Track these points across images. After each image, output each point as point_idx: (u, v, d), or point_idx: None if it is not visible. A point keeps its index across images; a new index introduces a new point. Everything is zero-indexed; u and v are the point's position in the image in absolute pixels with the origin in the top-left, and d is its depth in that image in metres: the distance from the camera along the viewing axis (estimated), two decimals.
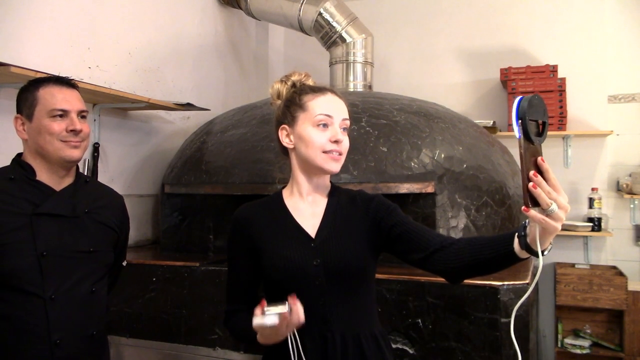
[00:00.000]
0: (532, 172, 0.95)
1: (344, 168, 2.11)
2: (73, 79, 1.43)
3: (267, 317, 1.05)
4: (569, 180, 3.46)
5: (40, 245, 1.29)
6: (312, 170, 1.27)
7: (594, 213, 3.27)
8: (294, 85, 1.32)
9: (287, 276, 1.20)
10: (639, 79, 3.46)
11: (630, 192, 3.26)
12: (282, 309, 1.05)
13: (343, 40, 2.98)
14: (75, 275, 1.34)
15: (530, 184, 0.94)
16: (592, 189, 3.34)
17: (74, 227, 1.37)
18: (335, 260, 1.22)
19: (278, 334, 1.11)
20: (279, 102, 1.33)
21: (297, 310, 1.07)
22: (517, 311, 1.71)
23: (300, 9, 3.04)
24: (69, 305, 1.32)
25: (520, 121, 0.96)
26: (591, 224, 3.25)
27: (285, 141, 1.28)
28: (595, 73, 3.46)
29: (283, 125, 1.28)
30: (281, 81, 1.34)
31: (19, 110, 1.38)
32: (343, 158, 1.25)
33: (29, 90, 1.36)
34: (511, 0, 3.67)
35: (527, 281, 1.74)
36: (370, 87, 3.02)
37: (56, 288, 1.30)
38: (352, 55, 2.97)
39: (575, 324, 3.28)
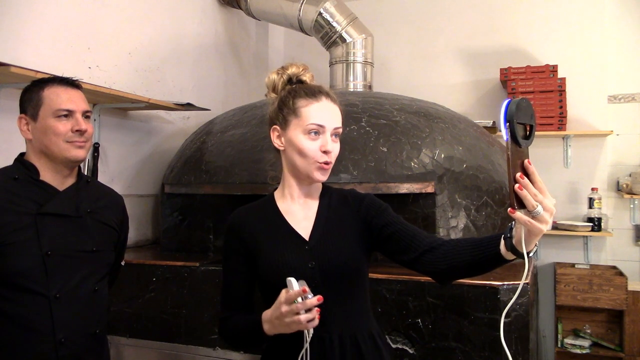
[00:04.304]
0: (518, 174, 0.95)
1: (344, 168, 2.12)
2: (77, 79, 1.44)
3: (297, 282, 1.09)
4: (569, 180, 3.46)
5: (45, 245, 1.30)
6: (300, 176, 1.27)
7: (594, 213, 3.27)
8: (290, 79, 1.30)
9: (283, 280, 1.19)
10: (639, 79, 3.46)
11: (630, 192, 3.26)
12: (303, 284, 1.08)
13: (343, 40, 2.98)
14: (78, 274, 1.35)
15: (517, 185, 0.95)
16: (592, 189, 3.34)
17: (77, 226, 1.37)
18: (329, 261, 1.22)
19: (293, 319, 1.08)
20: (273, 95, 1.31)
21: (314, 300, 1.08)
22: (517, 311, 1.72)
23: (300, 9, 3.04)
24: (73, 304, 1.32)
25: (508, 124, 0.96)
26: (591, 224, 3.25)
27: (277, 142, 1.28)
28: (595, 73, 3.46)
29: (275, 126, 1.28)
30: (277, 73, 1.31)
31: (22, 110, 1.38)
32: (331, 166, 1.25)
33: (33, 91, 1.36)
34: (511, 0, 3.68)
35: (527, 281, 1.74)
36: (370, 87, 3.02)
37: (60, 287, 1.30)
38: (352, 55, 2.97)
39: (575, 324, 3.28)
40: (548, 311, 3.38)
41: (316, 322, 1.09)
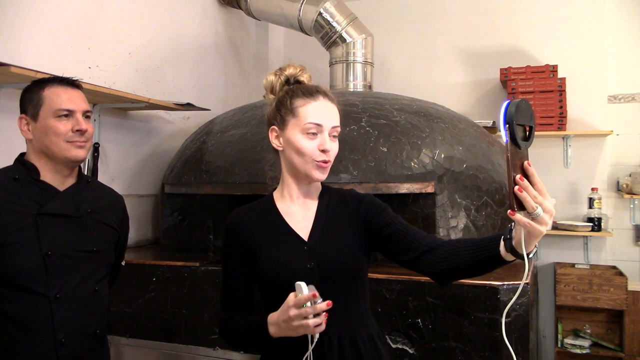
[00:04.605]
0: (518, 176, 0.95)
1: (344, 168, 2.12)
2: (77, 79, 1.44)
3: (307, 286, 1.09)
4: (569, 180, 3.46)
5: (45, 245, 1.30)
6: (299, 176, 1.27)
7: (594, 213, 3.27)
8: (287, 80, 1.30)
9: (282, 280, 1.19)
10: (639, 79, 3.46)
11: (630, 192, 3.26)
12: (313, 289, 1.09)
13: (343, 40, 2.98)
14: (79, 274, 1.35)
15: (516, 187, 0.95)
16: (592, 189, 3.34)
17: (78, 227, 1.37)
18: (328, 261, 1.22)
19: (301, 323, 1.08)
20: (271, 96, 1.31)
21: (323, 305, 1.08)
22: (517, 311, 1.72)
23: (300, 9, 3.04)
24: (74, 304, 1.32)
25: (507, 126, 0.96)
26: (591, 224, 3.25)
27: (275, 143, 1.28)
28: (595, 73, 3.46)
29: (273, 127, 1.28)
30: (275, 74, 1.32)
31: (23, 111, 1.38)
32: (330, 165, 1.25)
33: (34, 91, 1.36)
34: (511, 0, 3.68)
35: (527, 281, 1.74)
36: (370, 87, 3.02)
37: (61, 287, 1.30)
38: (352, 55, 2.97)
39: (575, 324, 3.28)
40: (548, 311, 3.38)
41: (323, 327, 1.09)
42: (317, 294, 1.07)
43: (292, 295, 1.10)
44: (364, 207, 1.30)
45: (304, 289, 1.08)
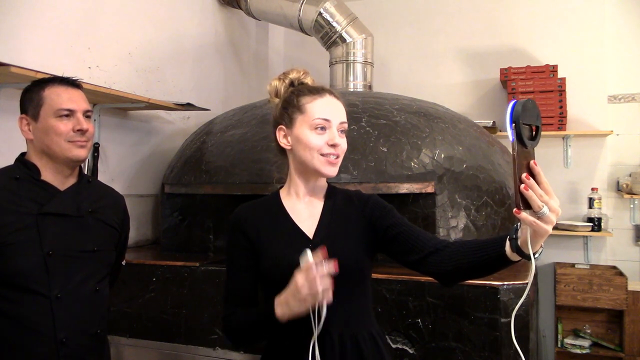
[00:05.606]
0: (524, 175, 0.96)
1: (344, 168, 2.12)
2: (77, 79, 1.44)
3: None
4: (569, 180, 3.46)
5: (46, 245, 1.30)
6: (308, 172, 1.27)
7: (594, 213, 3.27)
8: (292, 83, 1.32)
9: (285, 277, 1.18)
10: (639, 79, 3.46)
11: (630, 192, 3.26)
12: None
13: (343, 40, 2.98)
14: (80, 274, 1.35)
15: (522, 186, 0.95)
16: (592, 189, 3.34)
17: (79, 226, 1.37)
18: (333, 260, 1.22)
19: (310, 283, 1.07)
20: (276, 100, 1.32)
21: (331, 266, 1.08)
22: (517, 311, 1.72)
23: (300, 9, 3.04)
24: (75, 304, 1.32)
25: (513, 125, 0.96)
26: (591, 224, 3.25)
27: (283, 142, 1.29)
28: (595, 73, 3.46)
29: (280, 126, 1.28)
30: (279, 79, 1.33)
31: (23, 111, 1.38)
32: (340, 161, 1.26)
33: (34, 91, 1.37)
34: (511, 0, 3.68)
35: (527, 281, 1.74)
36: (370, 87, 3.02)
37: (62, 287, 1.30)
38: (352, 55, 2.97)
39: (575, 324, 3.28)
40: (548, 311, 3.38)
41: (330, 296, 1.08)
42: (325, 249, 1.08)
43: (297, 272, 1.10)
44: (369, 207, 1.30)
45: (309, 256, 1.08)
